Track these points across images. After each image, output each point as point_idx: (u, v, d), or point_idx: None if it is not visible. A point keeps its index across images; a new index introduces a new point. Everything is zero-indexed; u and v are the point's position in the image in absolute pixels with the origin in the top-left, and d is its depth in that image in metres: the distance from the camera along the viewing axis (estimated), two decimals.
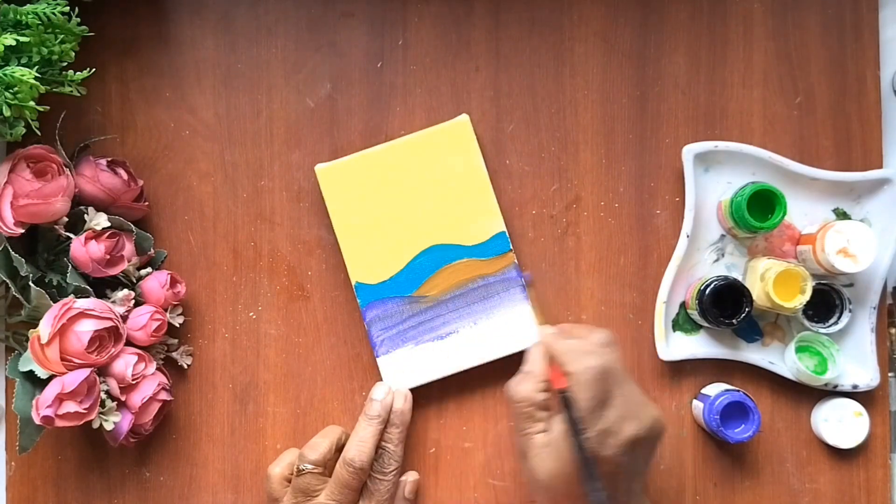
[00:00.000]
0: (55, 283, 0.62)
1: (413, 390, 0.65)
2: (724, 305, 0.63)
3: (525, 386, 0.55)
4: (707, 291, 0.63)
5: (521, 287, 0.64)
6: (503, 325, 0.64)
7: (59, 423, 0.57)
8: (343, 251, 0.65)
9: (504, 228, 0.64)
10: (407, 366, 0.64)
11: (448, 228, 0.64)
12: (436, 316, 0.64)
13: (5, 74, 0.56)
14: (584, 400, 0.51)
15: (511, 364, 0.66)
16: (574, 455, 0.51)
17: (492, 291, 0.64)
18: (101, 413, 0.60)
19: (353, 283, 0.65)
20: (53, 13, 0.59)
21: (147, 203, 0.66)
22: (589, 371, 0.51)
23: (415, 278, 0.64)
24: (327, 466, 0.60)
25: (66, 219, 0.62)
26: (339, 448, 0.61)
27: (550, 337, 0.57)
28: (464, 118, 0.65)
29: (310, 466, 0.59)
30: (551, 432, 0.53)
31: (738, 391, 0.63)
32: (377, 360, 0.64)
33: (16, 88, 0.57)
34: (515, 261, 0.64)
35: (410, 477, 0.64)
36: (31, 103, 0.58)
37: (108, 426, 0.60)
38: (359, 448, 0.59)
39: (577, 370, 0.52)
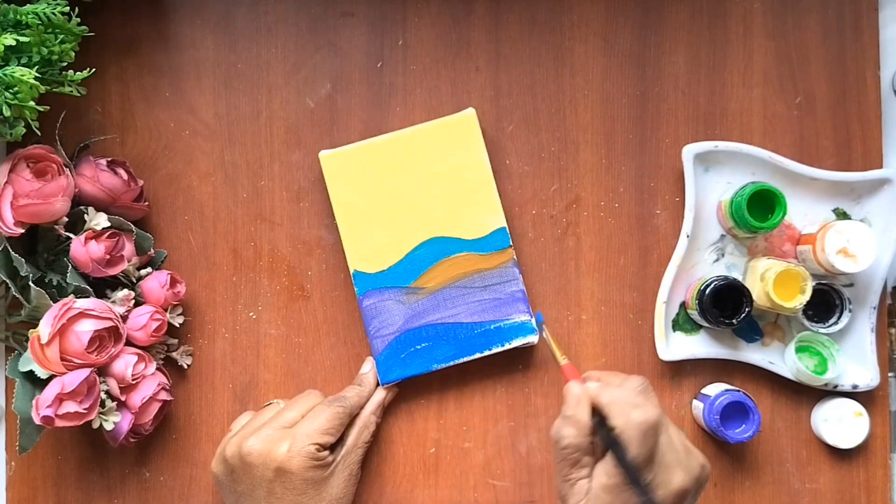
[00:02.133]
0: (55, 283, 0.62)
1: (413, 390, 0.65)
2: (724, 305, 0.63)
3: (570, 431, 0.52)
4: (707, 291, 0.63)
5: (522, 294, 0.64)
6: (500, 321, 0.64)
7: (59, 423, 0.57)
8: (343, 239, 0.65)
9: (504, 224, 0.64)
10: (404, 362, 0.64)
11: (449, 221, 0.64)
12: (432, 310, 0.64)
13: (5, 74, 0.56)
14: (633, 456, 0.50)
15: (509, 361, 0.66)
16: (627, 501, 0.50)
17: (489, 286, 0.64)
18: (101, 413, 0.60)
19: (352, 271, 0.64)
20: (53, 13, 0.59)
21: (147, 203, 0.66)
22: (638, 427, 0.50)
23: (413, 269, 0.64)
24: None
25: (66, 219, 0.62)
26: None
27: (595, 388, 0.54)
28: (470, 112, 0.65)
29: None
30: (592, 479, 0.51)
31: (738, 391, 0.63)
32: (375, 363, 0.64)
33: (16, 88, 0.57)
34: (514, 257, 0.64)
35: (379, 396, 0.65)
36: (31, 103, 0.58)
37: (108, 426, 0.60)
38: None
39: (625, 425, 0.50)
